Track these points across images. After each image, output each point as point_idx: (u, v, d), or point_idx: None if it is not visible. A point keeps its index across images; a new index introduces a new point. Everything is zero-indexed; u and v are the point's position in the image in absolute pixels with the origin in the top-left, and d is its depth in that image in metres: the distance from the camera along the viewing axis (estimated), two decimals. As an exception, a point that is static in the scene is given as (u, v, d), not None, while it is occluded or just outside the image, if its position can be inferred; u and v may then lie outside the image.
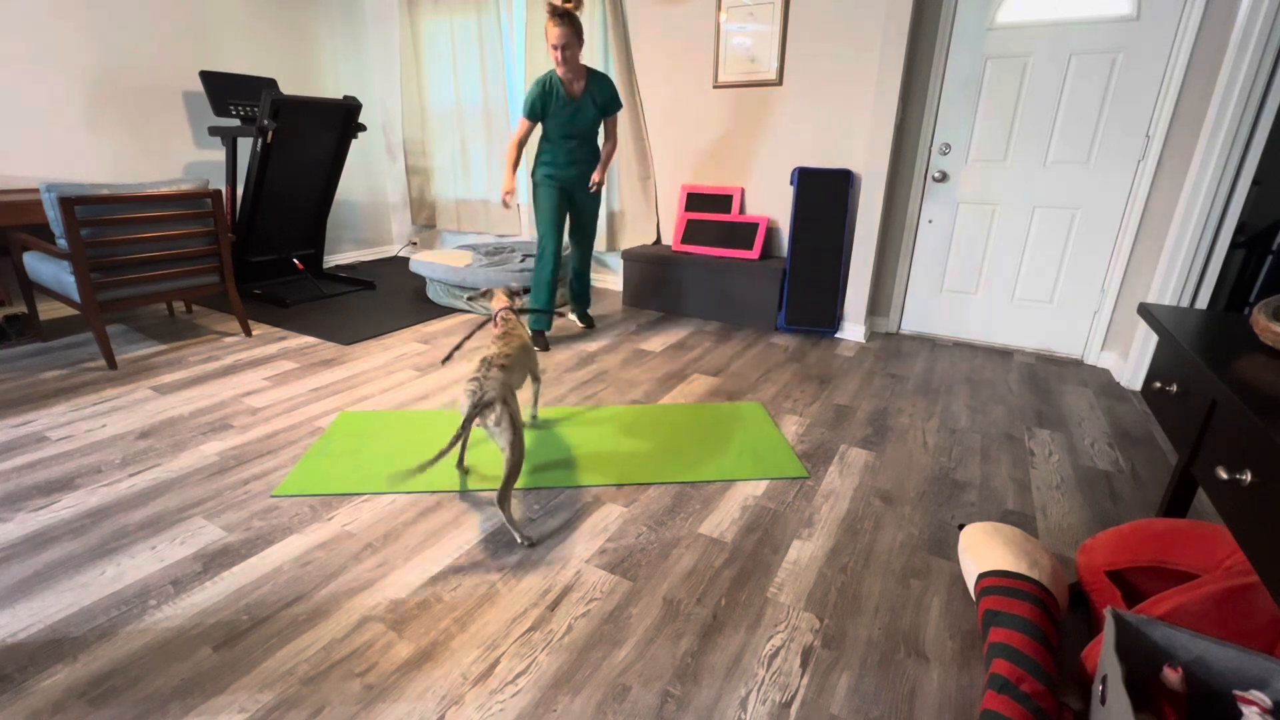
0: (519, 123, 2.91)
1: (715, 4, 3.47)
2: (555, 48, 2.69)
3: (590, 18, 3.83)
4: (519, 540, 1.64)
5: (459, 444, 1.83)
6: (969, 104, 3.00)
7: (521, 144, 2.90)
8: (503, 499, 1.61)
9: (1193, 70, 2.49)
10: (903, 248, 3.33)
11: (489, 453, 2.07)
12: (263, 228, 3.91)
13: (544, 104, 2.84)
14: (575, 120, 2.90)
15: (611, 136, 3.04)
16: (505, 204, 2.97)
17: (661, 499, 1.85)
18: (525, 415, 2.32)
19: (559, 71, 2.78)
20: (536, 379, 2.24)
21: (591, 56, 3.91)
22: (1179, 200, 2.56)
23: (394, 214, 5.46)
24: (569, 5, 2.69)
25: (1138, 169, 2.74)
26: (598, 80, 2.88)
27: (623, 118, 3.89)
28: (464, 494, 1.85)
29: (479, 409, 1.57)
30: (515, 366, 1.77)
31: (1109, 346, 2.99)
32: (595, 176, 3.00)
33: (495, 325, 1.99)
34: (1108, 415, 2.47)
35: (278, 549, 1.60)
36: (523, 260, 3.95)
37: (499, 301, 2.10)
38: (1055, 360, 3.09)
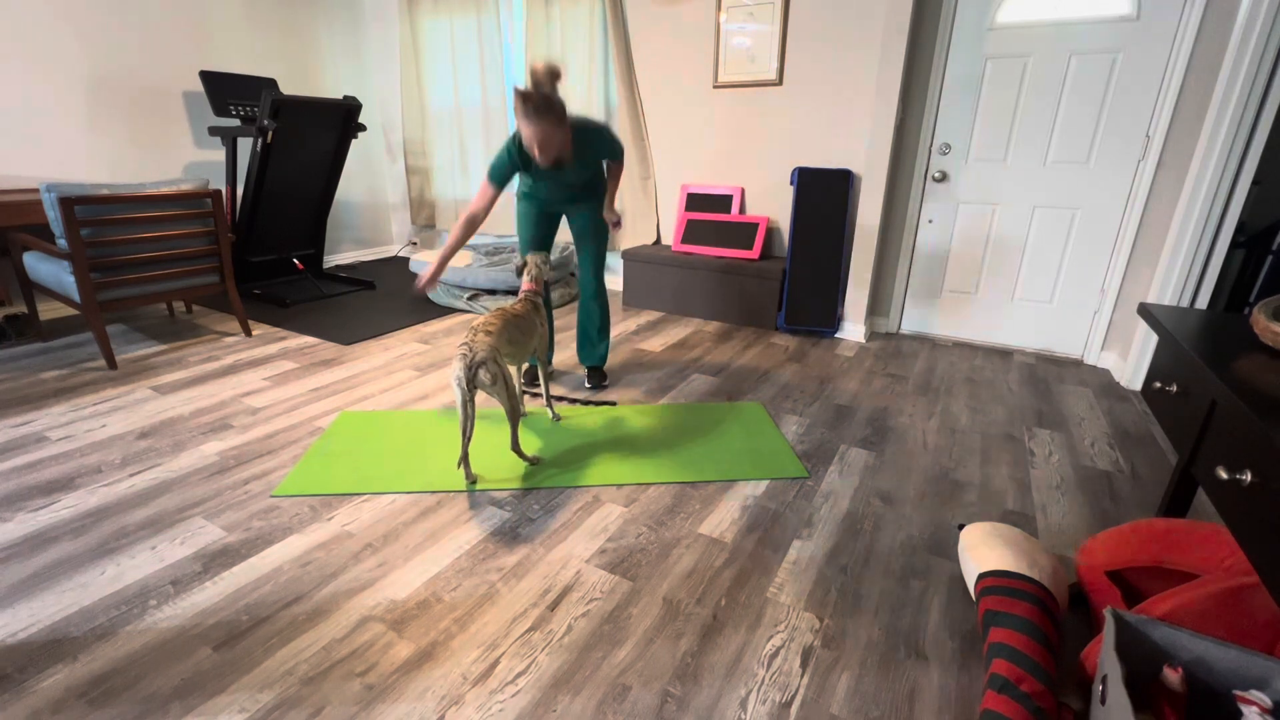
0: (480, 188, 2.16)
1: (715, 4, 3.47)
2: (532, 144, 2.00)
3: (590, 18, 3.83)
4: (531, 463, 1.99)
5: (466, 437, 1.83)
6: (969, 104, 3.00)
7: (476, 221, 2.15)
8: (514, 444, 1.95)
9: (1193, 70, 2.49)
10: (903, 248, 3.33)
11: (489, 456, 2.08)
12: (263, 228, 3.91)
13: (518, 167, 2.19)
14: (560, 179, 2.27)
15: (614, 176, 2.39)
16: (421, 290, 2.10)
17: (661, 499, 1.85)
18: (546, 418, 2.35)
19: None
20: (544, 364, 2.28)
21: (591, 56, 3.91)
22: (1179, 200, 2.57)
23: (394, 214, 5.46)
24: (547, 81, 1.93)
25: (1138, 169, 2.74)
26: (589, 140, 2.18)
27: (623, 119, 3.89)
28: (464, 494, 1.85)
29: (473, 369, 1.76)
30: (504, 335, 1.92)
31: (1109, 346, 2.99)
32: (608, 216, 2.38)
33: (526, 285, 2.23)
34: (1108, 415, 2.47)
35: (278, 549, 1.60)
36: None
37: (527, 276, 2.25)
38: (1055, 360, 3.09)
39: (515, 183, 2.50)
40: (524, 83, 1.94)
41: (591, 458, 2.06)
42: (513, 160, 2.16)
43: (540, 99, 1.92)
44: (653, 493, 1.88)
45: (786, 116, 3.45)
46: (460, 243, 2.16)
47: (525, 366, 2.64)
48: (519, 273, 2.25)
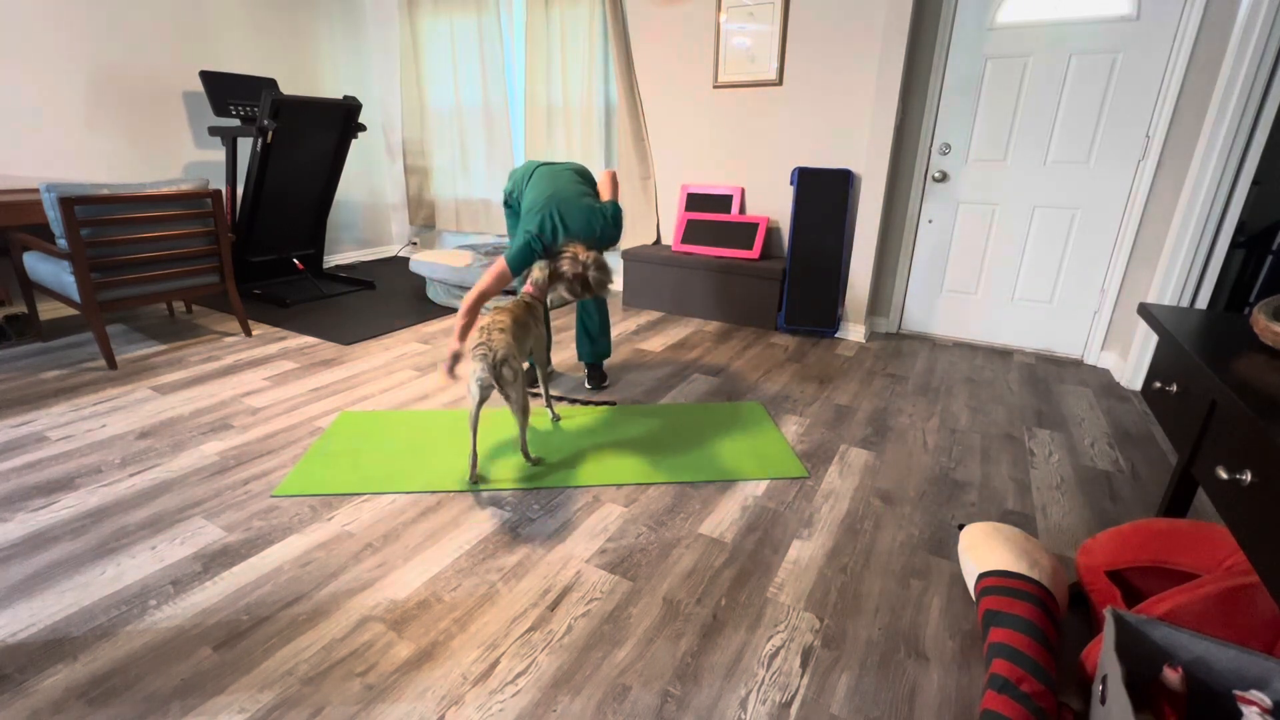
0: (497, 270, 2.20)
1: (715, 4, 3.47)
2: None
3: (590, 18, 3.83)
4: (534, 463, 2.00)
5: (476, 430, 1.87)
6: (969, 104, 3.00)
7: (487, 297, 2.18)
8: (523, 445, 1.96)
9: (1193, 70, 2.49)
10: (903, 248, 3.33)
11: (489, 456, 2.07)
12: (263, 228, 3.91)
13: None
14: None
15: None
16: (450, 374, 2.06)
17: (661, 499, 1.85)
18: (546, 418, 2.34)
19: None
20: (543, 365, 2.26)
21: (591, 56, 3.91)
22: (1179, 200, 2.57)
23: (394, 214, 5.46)
24: (591, 261, 2.12)
25: (1138, 169, 2.74)
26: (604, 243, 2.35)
27: (623, 119, 3.89)
28: (464, 494, 1.85)
29: (496, 367, 1.76)
30: (513, 332, 1.89)
31: (1109, 346, 2.99)
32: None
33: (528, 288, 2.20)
34: (1108, 415, 2.47)
35: (278, 549, 1.60)
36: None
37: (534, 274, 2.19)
38: (1055, 360, 3.09)
39: (504, 192, 2.55)
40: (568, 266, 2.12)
41: (591, 458, 2.06)
42: (538, 256, 2.23)
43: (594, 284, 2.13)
44: (653, 493, 1.88)
45: (786, 116, 3.45)
46: (471, 323, 2.14)
47: (525, 367, 2.64)
48: (524, 280, 2.23)
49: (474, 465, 1.88)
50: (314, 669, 1.24)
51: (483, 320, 1.93)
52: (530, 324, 2.11)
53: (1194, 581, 1.17)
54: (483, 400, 1.81)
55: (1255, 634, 1.07)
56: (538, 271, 2.20)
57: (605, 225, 2.29)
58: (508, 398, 1.85)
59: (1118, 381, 2.83)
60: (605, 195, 2.43)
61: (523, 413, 1.91)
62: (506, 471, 1.97)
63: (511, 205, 2.55)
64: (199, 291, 3.06)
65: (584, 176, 2.44)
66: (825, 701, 1.20)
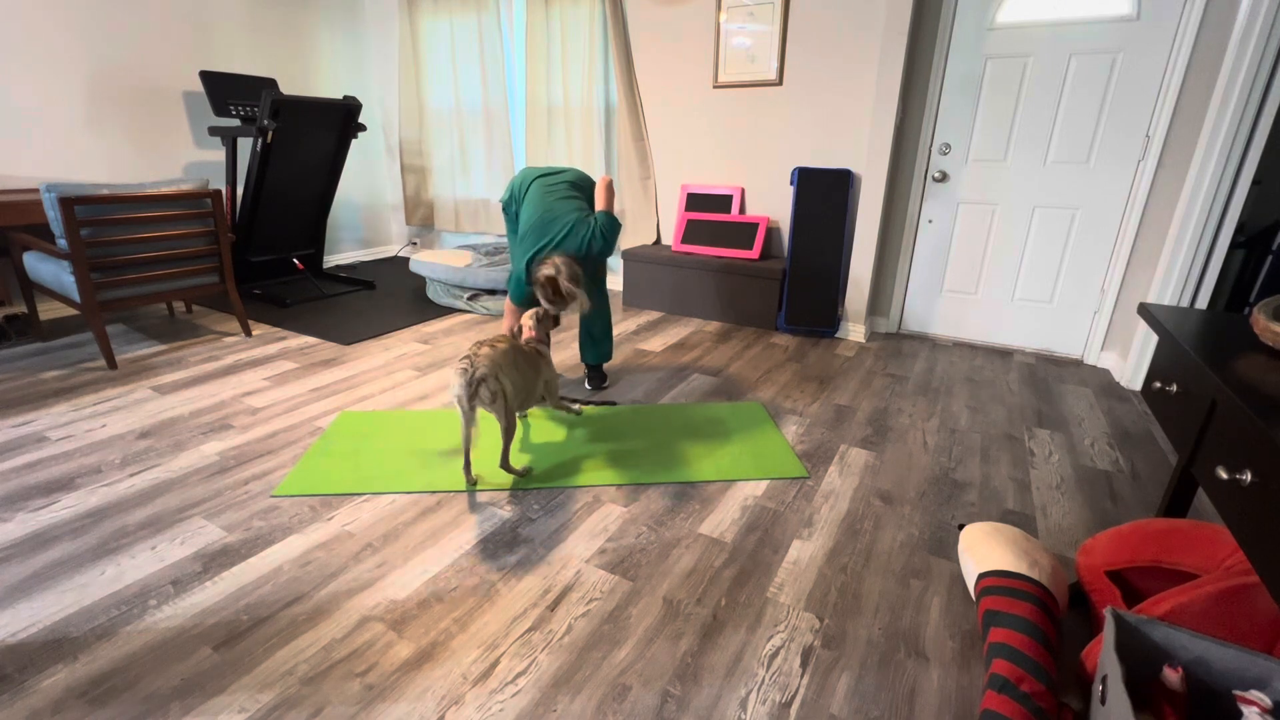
0: (507, 307, 2.55)
1: (715, 4, 3.47)
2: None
3: (590, 18, 3.83)
4: (519, 475, 1.93)
5: (468, 444, 1.83)
6: (969, 104, 3.00)
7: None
8: (504, 461, 1.88)
9: (1193, 70, 2.49)
10: (903, 248, 3.33)
11: (490, 457, 2.07)
12: (263, 228, 3.91)
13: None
14: None
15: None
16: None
17: (661, 499, 1.85)
18: (544, 420, 2.32)
19: None
20: (548, 399, 2.14)
21: (591, 57, 3.91)
22: (1179, 200, 2.57)
23: (394, 214, 5.46)
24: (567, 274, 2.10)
25: (1138, 169, 2.74)
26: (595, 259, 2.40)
27: (623, 119, 3.89)
28: (464, 494, 1.85)
29: (473, 386, 1.71)
30: (509, 356, 1.85)
31: (1109, 346, 2.99)
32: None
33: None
34: (1108, 415, 2.47)
35: (278, 549, 1.60)
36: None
37: (528, 322, 2.14)
38: (1055, 360, 3.09)
39: (501, 201, 2.61)
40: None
41: (591, 458, 2.06)
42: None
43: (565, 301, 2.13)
44: (653, 493, 1.88)
45: (786, 116, 3.45)
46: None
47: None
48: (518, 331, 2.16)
49: (468, 471, 1.87)
50: (314, 669, 1.24)
51: (484, 337, 1.89)
52: (541, 366, 2.05)
53: (1194, 581, 1.17)
54: (468, 416, 1.77)
55: (1255, 634, 1.07)
56: (527, 319, 2.13)
57: (594, 238, 2.25)
58: (494, 414, 1.80)
59: (1118, 381, 2.83)
60: (600, 205, 2.40)
61: (506, 432, 1.85)
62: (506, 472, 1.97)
63: (509, 213, 2.57)
64: (199, 291, 3.06)
65: (579, 187, 2.43)
66: (825, 701, 1.20)
